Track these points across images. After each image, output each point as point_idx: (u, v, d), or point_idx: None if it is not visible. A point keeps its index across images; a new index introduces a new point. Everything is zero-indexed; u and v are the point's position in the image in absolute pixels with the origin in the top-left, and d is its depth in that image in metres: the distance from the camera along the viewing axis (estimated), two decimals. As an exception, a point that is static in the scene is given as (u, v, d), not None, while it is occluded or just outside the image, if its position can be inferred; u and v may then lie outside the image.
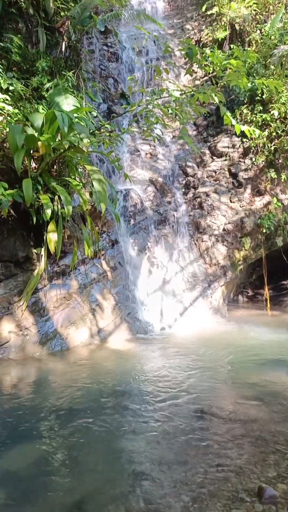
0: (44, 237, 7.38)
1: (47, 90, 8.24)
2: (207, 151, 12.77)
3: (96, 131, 8.93)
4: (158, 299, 10.23)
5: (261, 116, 11.60)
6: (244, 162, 12.12)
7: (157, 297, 10.27)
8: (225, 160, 12.40)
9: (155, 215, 11.24)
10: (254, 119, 11.72)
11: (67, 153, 7.47)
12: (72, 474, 3.63)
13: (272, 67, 11.48)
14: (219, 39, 13.25)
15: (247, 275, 14.28)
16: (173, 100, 8.38)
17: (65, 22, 9.11)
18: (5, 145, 7.21)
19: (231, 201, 11.81)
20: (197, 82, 13.40)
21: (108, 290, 9.19)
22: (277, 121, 11.44)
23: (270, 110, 11.49)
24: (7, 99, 7.55)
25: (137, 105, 8.61)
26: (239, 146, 12.32)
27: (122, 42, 13.40)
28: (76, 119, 6.97)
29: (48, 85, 8.27)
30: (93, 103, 10.77)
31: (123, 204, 10.65)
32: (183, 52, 8.11)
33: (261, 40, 12.45)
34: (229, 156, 12.37)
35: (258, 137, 11.02)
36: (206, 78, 12.49)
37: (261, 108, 11.73)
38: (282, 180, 11.70)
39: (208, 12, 13.96)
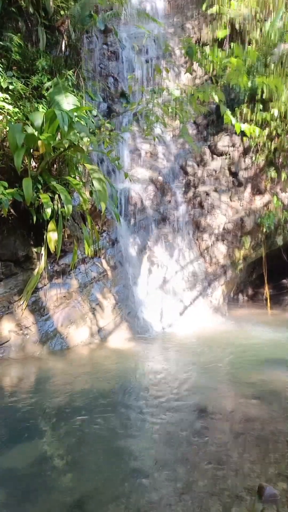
0: (44, 236, 7.37)
1: (47, 89, 8.23)
2: (207, 150, 12.75)
3: (96, 130, 8.93)
4: (158, 298, 10.22)
5: (261, 115, 11.58)
6: (244, 161, 12.11)
7: (157, 296, 10.26)
8: (225, 159, 12.38)
9: (155, 214, 11.23)
10: (254, 118, 11.70)
11: (67, 152, 7.47)
12: (72, 474, 3.63)
13: (272, 66, 11.47)
14: (219, 38, 13.22)
15: (247, 274, 14.27)
16: (173, 99, 8.38)
17: (65, 21, 9.09)
18: (5, 144, 7.21)
19: (231, 200, 11.81)
20: (197, 81, 13.38)
21: (108, 289, 9.18)
22: (277, 120, 11.42)
23: (270, 109, 11.47)
24: (7, 98, 7.54)
25: (137, 104, 8.61)
26: (239, 145, 12.31)
27: (122, 41, 13.36)
28: (76, 118, 6.97)
29: (48, 84, 8.25)
30: (93, 102, 10.76)
31: (123, 203, 10.64)
32: (183, 51, 8.10)
33: (261, 39, 12.43)
34: (229, 155, 12.35)
35: (258, 136, 11.01)
36: (206, 77, 12.48)
37: (261, 107, 11.70)
38: (282, 179, 11.69)
39: (208, 11, 13.92)
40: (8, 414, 4.93)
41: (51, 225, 7.16)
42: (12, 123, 6.94)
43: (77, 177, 8.19)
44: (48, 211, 6.78)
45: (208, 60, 8.38)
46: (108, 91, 12.67)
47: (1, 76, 7.73)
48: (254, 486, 3.25)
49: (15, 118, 7.38)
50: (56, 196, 7.31)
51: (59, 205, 7.27)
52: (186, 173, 12.56)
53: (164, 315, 9.95)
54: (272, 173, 11.65)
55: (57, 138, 7.08)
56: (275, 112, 10.97)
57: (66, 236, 8.20)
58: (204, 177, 12.26)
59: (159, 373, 6.40)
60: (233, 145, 12.39)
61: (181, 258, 11.10)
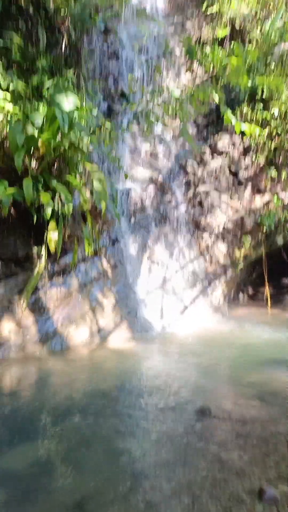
0: (45, 236, 7.38)
1: (48, 89, 8.23)
2: (207, 150, 12.73)
3: (97, 130, 8.92)
4: (159, 298, 10.23)
5: (262, 114, 11.58)
6: (244, 161, 12.11)
7: (157, 295, 10.26)
8: (225, 158, 12.38)
9: (155, 213, 11.23)
10: (255, 117, 11.70)
11: (68, 152, 7.47)
12: (72, 474, 3.64)
13: (273, 65, 11.47)
14: (220, 37, 13.20)
15: (248, 274, 14.27)
16: (174, 99, 8.38)
17: (65, 20, 9.09)
18: (5, 144, 7.21)
19: (231, 200, 11.81)
20: (198, 81, 13.37)
21: (108, 288, 9.18)
22: (278, 119, 11.42)
23: (270, 108, 11.47)
24: (7, 98, 7.54)
25: (137, 104, 8.61)
26: (239, 144, 12.30)
27: (122, 41, 13.35)
28: (77, 118, 6.97)
29: (48, 84, 8.25)
30: (93, 102, 10.75)
31: (124, 203, 10.64)
32: (183, 50, 8.09)
33: (261, 39, 12.42)
34: (229, 154, 12.34)
35: (259, 135, 11.01)
36: (206, 76, 12.47)
37: (261, 106, 11.70)
38: (283, 179, 11.69)
39: (209, 11, 13.92)
40: (8, 414, 4.94)
41: (52, 225, 7.16)
42: (13, 123, 6.94)
43: (77, 177, 8.18)
44: (49, 211, 6.78)
45: (208, 59, 8.37)
46: (108, 90, 12.66)
47: (1, 75, 7.72)
48: (254, 488, 3.25)
49: (15, 118, 7.38)
50: (57, 196, 7.31)
51: (60, 205, 7.27)
52: (186, 172, 12.55)
53: (164, 315, 9.96)
54: (272, 172, 11.65)
55: (57, 138, 7.08)
56: (275, 111, 10.96)
57: (67, 236, 8.21)
58: (204, 176, 12.25)
59: (159, 374, 6.40)
60: (233, 145, 12.38)
61: (181, 257, 11.10)
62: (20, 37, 8.43)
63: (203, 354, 7.55)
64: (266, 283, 12.47)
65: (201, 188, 11.98)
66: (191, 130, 13.17)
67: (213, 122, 13.14)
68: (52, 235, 7.12)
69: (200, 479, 3.42)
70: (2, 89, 7.64)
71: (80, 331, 8.19)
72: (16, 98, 7.79)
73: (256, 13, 12.99)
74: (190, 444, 4.07)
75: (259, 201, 11.67)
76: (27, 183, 6.69)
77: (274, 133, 11.53)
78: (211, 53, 7.95)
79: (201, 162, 12.59)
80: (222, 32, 13.02)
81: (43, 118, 6.90)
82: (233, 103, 12.18)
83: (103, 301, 8.90)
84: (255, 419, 4.62)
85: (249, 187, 11.84)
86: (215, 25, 13.51)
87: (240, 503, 3.07)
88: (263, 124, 11.64)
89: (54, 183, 7.23)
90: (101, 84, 12.01)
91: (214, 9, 13.49)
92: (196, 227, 11.57)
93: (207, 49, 10.33)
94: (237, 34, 13.11)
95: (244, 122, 11.19)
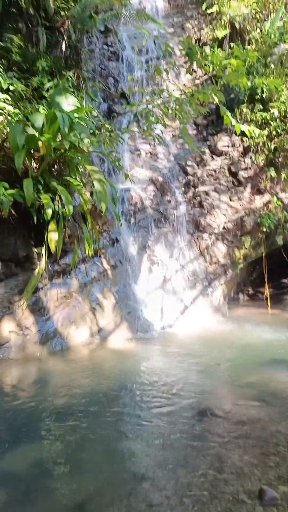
0: (45, 237, 7.39)
1: (48, 90, 8.25)
2: (207, 150, 12.76)
3: (97, 131, 8.94)
4: (159, 298, 10.23)
5: (261, 115, 11.59)
6: (244, 161, 12.13)
7: (158, 295, 10.27)
8: (225, 159, 12.40)
9: (155, 213, 11.24)
10: (254, 118, 11.71)
11: (68, 153, 7.48)
12: (73, 475, 3.65)
13: (272, 66, 11.48)
14: (219, 38, 13.23)
15: (248, 274, 14.29)
16: (173, 100, 8.39)
17: (65, 21, 9.10)
18: (5, 145, 7.22)
19: (231, 200, 11.83)
20: (197, 82, 13.39)
21: (108, 288, 9.20)
22: (277, 120, 11.44)
23: (270, 109, 11.49)
24: (7, 99, 7.55)
25: (137, 105, 8.62)
26: (239, 145, 12.32)
27: (122, 41, 13.37)
28: (77, 119, 6.99)
29: (48, 85, 8.27)
30: (93, 103, 10.77)
31: (124, 203, 10.66)
32: (183, 51, 8.10)
33: (261, 39, 12.44)
34: (229, 155, 12.36)
35: (258, 136, 11.02)
36: (206, 77, 12.49)
37: (261, 107, 11.72)
38: (282, 179, 11.69)
39: (208, 11, 13.94)
40: (8, 415, 4.95)
41: (52, 226, 7.18)
42: (13, 124, 6.95)
43: (77, 178, 8.20)
44: (49, 211, 6.79)
45: (208, 60, 8.37)
46: (108, 91, 12.68)
47: (2, 77, 7.74)
48: (254, 489, 3.26)
49: (15, 119, 7.39)
50: (57, 196, 7.33)
51: (60, 206, 7.29)
52: (186, 173, 12.57)
53: (165, 315, 9.97)
54: (272, 173, 11.67)
55: (57, 139, 7.10)
56: (275, 112, 10.98)
57: (67, 236, 8.22)
58: (204, 177, 12.27)
59: (159, 374, 6.41)
60: (233, 145, 12.40)
61: (181, 258, 11.11)
62: (20, 38, 8.44)
63: (203, 354, 7.55)
64: (266, 283, 12.48)
65: (201, 189, 12.00)
66: (191, 130, 13.19)
67: (213, 123, 13.16)
68: (52, 236, 7.13)
69: (201, 480, 3.43)
70: (2, 90, 7.65)
71: (80, 331, 8.20)
72: (16, 99, 7.80)
73: (256, 13, 13.02)
74: (190, 444, 4.08)
75: (259, 201, 11.68)
76: (28, 183, 6.70)
77: (273, 134, 11.54)
78: (211, 55, 7.95)
79: (201, 162, 12.61)
80: (222, 32, 13.04)
81: (44, 119, 6.90)
82: (232, 104, 12.20)
83: (103, 301, 8.92)
84: (255, 420, 4.63)
85: (248, 188, 11.85)
86: (214, 25, 13.53)
87: (241, 504, 3.08)
88: (263, 124, 11.66)
89: (55, 184, 7.25)
90: (101, 85, 12.03)
91: (213, 9, 13.51)
92: (196, 227, 11.58)
93: (207, 50, 10.35)
94: (237, 34, 13.14)
95: (244, 122, 11.22)
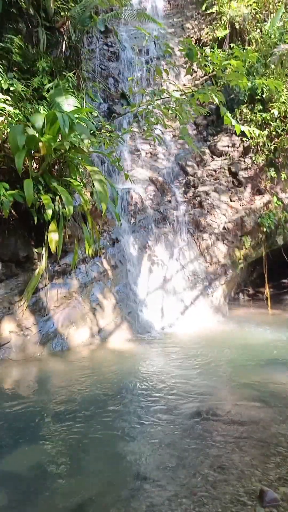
0: (45, 237, 7.39)
1: (48, 91, 8.25)
2: (207, 150, 12.77)
3: (97, 131, 8.94)
4: (159, 298, 10.24)
5: (261, 115, 11.61)
6: (244, 161, 12.13)
7: (158, 295, 10.27)
8: (225, 159, 12.41)
9: (155, 214, 11.26)
10: (254, 118, 11.72)
11: (68, 153, 7.48)
12: (73, 476, 3.65)
13: (272, 66, 11.49)
14: (219, 38, 13.24)
15: (248, 274, 14.30)
16: (173, 101, 8.39)
17: (66, 22, 9.10)
18: (6, 145, 7.22)
19: (231, 200, 11.83)
20: (197, 82, 13.39)
21: (108, 289, 9.20)
22: (277, 120, 11.45)
23: (270, 109, 11.50)
24: (8, 100, 7.55)
25: (137, 106, 8.63)
26: (239, 145, 12.33)
27: (122, 42, 13.38)
28: (77, 120, 6.98)
29: (48, 85, 8.27)
30: (94, 103, 10.77)
31: (124, 203, 10.66)
32: (183, 52, 8.11)
33: (261, 39, 12.45)
34: (229, 155, 12.38)
35: (258, 136, 11.02)
36: (206, 77, 12.48)
37: (261, 107, 11.74)
38: (282, 179, 11.71)
39: (208, 11, 13.97)
40: (8, 416, 4.95)
41: (52, 226, 7.17)
42: (13, 125, 6.95)
43: (78, 178, 8.21)
44: (49, 212, 6.79)
45: (208, 61, 8.38)
46: (108, 92, 12.69)
47: (2, 77, 7.74)
48: (255, 490, 3.25)
49: (16, 119, 7.39)
50: (57, 197, 7.33)
51: (60, 206, 7.29)
52: (186, 173, 12.58)
53: (165, 315, 9.97)
54: (272, 173, 11.68)
55: (58, 140, 7.10)
56: (275, 112, 10.99)
57: (67, 237, 8.21)
58: (204, 177, 12.28)
59: (159, 375, 6.41)
60: (233, 145, 12.41)
61: (181, 258, 11.12)
62: (21, 39, 8.44)
63: (203, 354, 7.55)
64: (266, 283, 12.49)
65: (201, 189, 12.00)
66: (191, 131, 13.21)
67: (213, 123, 13.18)
68: (53, 236, 7.13)
69: (201, 481, 3.43)
70: (3, 91, 7.65)
71: (81, 331, 8.21)
72: (16, 99, 7.80)
73: (256, 13, 13.03)
74: (190, 445, 4.08)
75: (259, 201, 11.69)
76: (28, 184, 6.70)
77: (273, 134, 11.55)
78: (210, 55, 7.95)
79: (201, 162, 12.62)
80: (222, 33, 13.05)
81: (44, 120, 6.90)
82: (232, 104, 12.21)
83: (103, 301, 8.92)
84: (255, 420, 4.63)
85: (249, 188, 11.86)
86: (214, 26, 13.55)
87: (241, 505, 3.08)
88: (263, 124, 11.66)
89: (55, 184, 7.25)
90: (101, 86, 12.04)
91: (213, 9, 13.52)
92: (196, 227, 11.58)
93: (207, 50, 10.35)
94: (237, 34, 13.15)
95: (244, 123, 11.23)
